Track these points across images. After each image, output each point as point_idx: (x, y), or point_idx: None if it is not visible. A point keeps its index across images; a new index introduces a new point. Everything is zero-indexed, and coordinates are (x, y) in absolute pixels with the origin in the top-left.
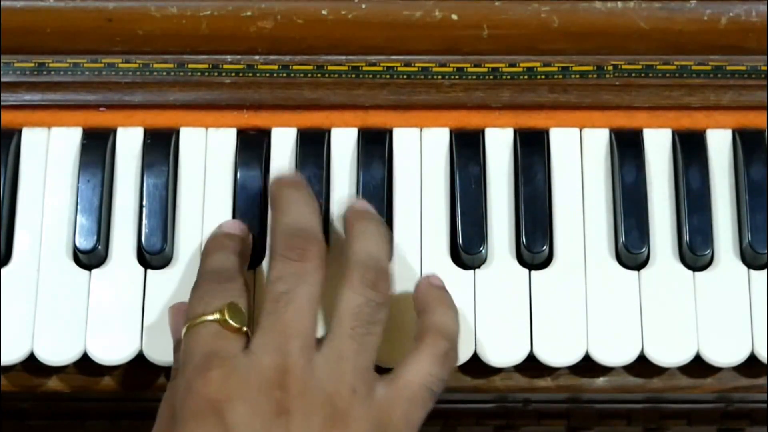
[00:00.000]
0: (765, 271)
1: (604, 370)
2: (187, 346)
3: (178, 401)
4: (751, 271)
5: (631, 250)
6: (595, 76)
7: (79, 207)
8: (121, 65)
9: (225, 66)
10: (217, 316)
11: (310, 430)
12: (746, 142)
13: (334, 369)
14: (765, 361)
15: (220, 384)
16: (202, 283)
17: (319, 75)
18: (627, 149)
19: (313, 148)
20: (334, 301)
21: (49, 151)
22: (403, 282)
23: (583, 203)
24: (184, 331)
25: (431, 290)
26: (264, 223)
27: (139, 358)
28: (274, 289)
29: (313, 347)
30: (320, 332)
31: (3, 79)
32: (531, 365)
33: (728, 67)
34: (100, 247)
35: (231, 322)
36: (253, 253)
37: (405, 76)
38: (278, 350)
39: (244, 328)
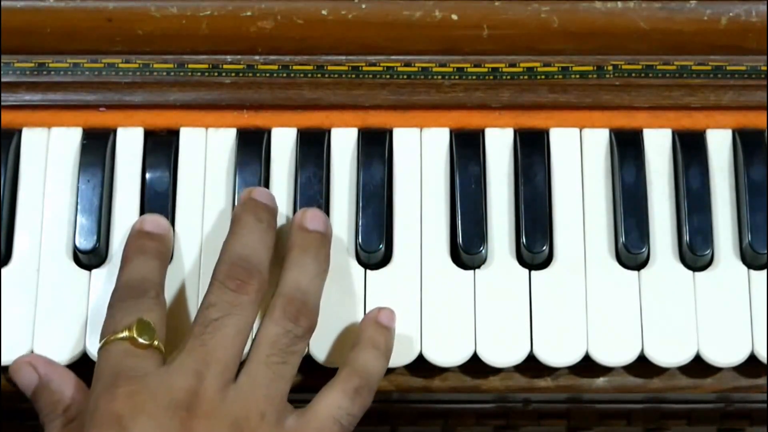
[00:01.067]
0: (765, 271)
1: (604, 370)
2: (98, 365)
3: (86, 420)
4: (751, 271)
5: (631, 250)
6: (595, 76)
7: (79, 207)
8: (121, 65)
9: (225, 66)
10: (125, 333)
11: None
12: (746, 142)
13: (246, 394)
14: (765, 361)
15: (125, 400)
16: (116, 299)
17: (319, 75)
18: (627, 149)
19: (313, 148)
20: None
21: (49, 151)
22: (404, 282)
23: (583, 203)
24: (97, 349)
25: (370, 327)
26: None
27: None
28: (205, 315)
29: (231, 377)
30: None
31: (3, 79)
32: (531, 365)
33: (728, 67)
34: (100, 247)
35: (139, 339)
36: None
37: (405, 76)
38: (194, 374)
39: (156, 343)
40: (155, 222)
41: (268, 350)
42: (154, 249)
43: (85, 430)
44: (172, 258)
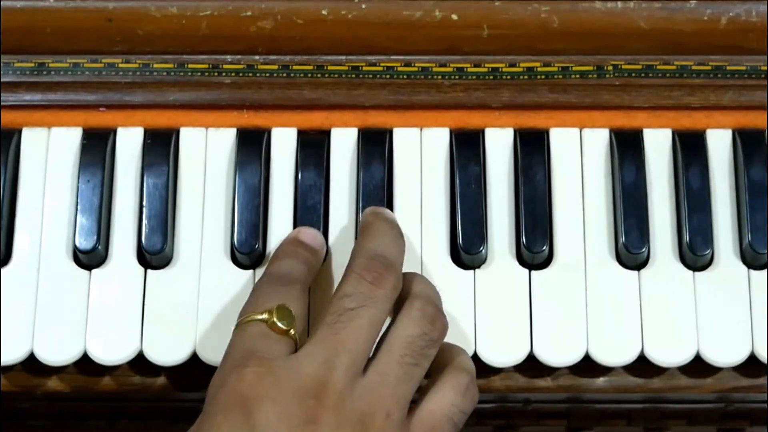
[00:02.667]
0: (765, 271)
1: (604, 370)
2: (232, 342)
3: (210, 393)
4: (751, 271)
5: (631, 250)
6: (595, 76)
7: (79, 207)
8: (121, 65)
9: (225, 66)
10: (265, 316)
11: None
12: (746, 142)
13: (374, 391)
14: (765, 361)
15: (253, 381)
16: (260, 285)
17: (319, 75)
18: (627, 149)
19: (313, 147)
20: (388, 328)
21: (49, 151)
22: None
23: (583, 203)
24: (233, 328)
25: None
26: (264, 223)
27: (139, 358)
28: (339, 304)
29: (360, 369)
30: None
31: (3, 79)
32: (531, 365)
33: (728, 67)
34: (100, 247)
35: (278, 323)
36: (254, 255)
37: (405, 76)
38: (324, 362)
39: (291, 332)
40: (312, 235)
41: (403, 350)
42: (304, 257)
43: (209, 403)
44: (171, 259)
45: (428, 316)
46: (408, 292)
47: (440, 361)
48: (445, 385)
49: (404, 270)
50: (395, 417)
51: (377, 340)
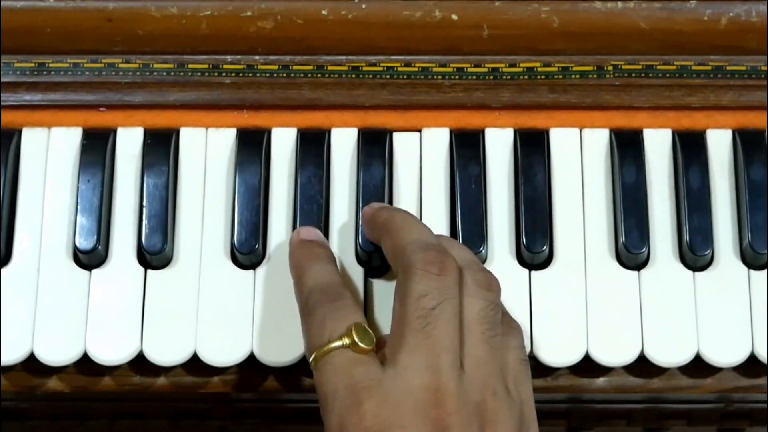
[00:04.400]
0: (765, 271)
1: (604, 370)
2: (325, 380)
3: None
4: (751, 271)
5: (631, 250)
6: (595, 76)
7: (79, 207)
8: (121, 65)
9: (225, 66)
10: (346, 341)
11: None
12: (746, 142)
13: (477, 377)
14: (765, 361)
15: (375, 415)
16: (315, 305)
17: (319, 75)
18: (627, 149)
19: (313, 148)
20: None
21: (49, 151)
22: None
23: (583, 203)
24: (312, 362)
25: None
26: (264, 223)
27: (139, 358)
28: (419, 305)
29: (459, 361)
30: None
31: (3, 79)
32: (531, 365)
33: (728, 67)
34: (100, 247)
35: (362, 345)
36: (254, 255)
37: (405, 76)
38: (429, 369)
39: (374, 346)
40: (313, 232)
41: (481, 326)
42: (324, 254)
43: None
44: (171, 259)
45: (482, 283)
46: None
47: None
48: (506, 335)
49: None
50: (500, 391)
51: None
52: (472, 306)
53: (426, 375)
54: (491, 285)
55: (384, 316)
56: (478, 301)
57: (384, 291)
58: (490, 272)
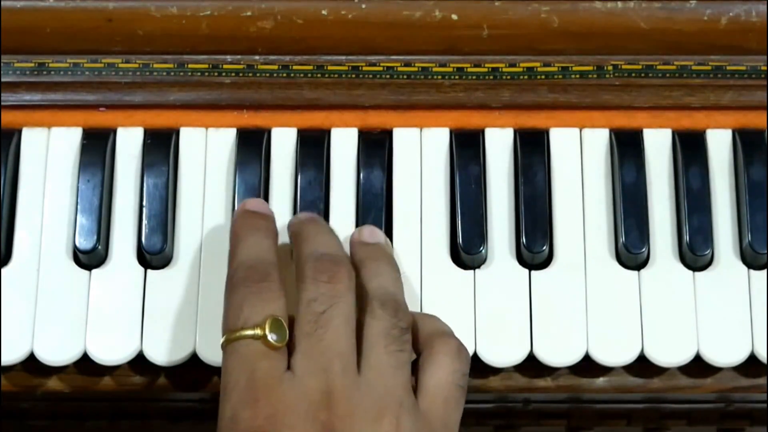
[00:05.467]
0: (765, 271)
1: (604, 370)
2: (229, 367)
3: (222, 428)
4: (751, 271)
5: (631, 250)
6: (595, 76)
7: (79, 207)
8: (121, 65)
9: (225, 66)
10: (258, 332)
11: None
12: (746, 142)
13: (378, 385)
14: (765, 361)
15: (268, 415)
16: (239, 283)
17: (319, 75)
18: (627, 149)
19: (313, 148)
20: (359, 331)
21: (49, 151)
22: (404, 282)
23: (583, 203)
24: (222, 342)
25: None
26: None
27: (139, 358)
28: (310, 310)
29: (355, 367)
30: None
31: (3, 79)
32: (531, 365)
33: (728, 67)
34: (100, 247)
35: (272, 340)
36: None
37: (405, 76)
38: (322, 372)
39: (285, 343)
40: (259, 203)
41: (384, 341)
42: (265, 227)
43: None
44: (171, 259)
45: (390, 309)
46: (365, 291)
47: (422, 334)
48: (439, 355)
49: (403, 271)
50: (407, 403)
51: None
52: (375, 326)
53: (319, 378)
54: (398, 312)
55: None
56: (381, 322)
57: None
58: (403, 302)
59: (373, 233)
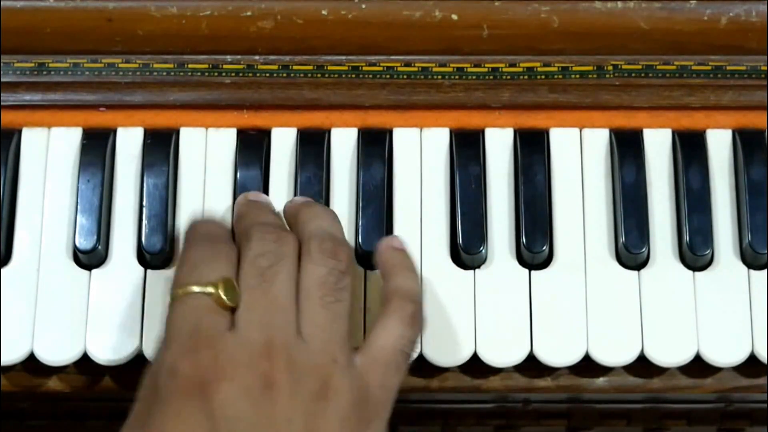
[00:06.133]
0: (765, 271)
1: (604, 370)
2: (174, 317)
3: (161, 379)
4: (751, 271)
5: (631, 250)
6: (595, 76)
7: (79, 207)
8: (121, 65)
9: (225, 66)
10: (210, 290)
11: (296, 404)
12: (746, 142)
13: (314, 342)
14: (765, 361)
15: (207, 366)
16: (193, 240)
17: (319, 75)
18: (627, 149)
19: (313, 148)
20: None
21: (49, 151)
22: None
23: (583, 203)
24: (170, 297)
25: (393, 254)
26: None
27: (139, 358)
28: (256, 264)
29: (295, 323)
30: None
31: (3, 79)
32: (531, 365)
33: (728, 67)
34: (100, 247)
35: (225, 299)
36: None
37: (405, 76)
38: (265, 325)
39: (236, 303)
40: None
41: (319, 292)
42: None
43: (161, 389)
44: (171, 259)
45: (327, 251)
46: (302, 235)
47: (386, 289)
48: (390, 318)
49: None
50: (341, 359)
51: None
52: (311, 272)
53: (261, 331)
54: (337, 254)
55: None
56: (318, 268)
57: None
58: (343, 243)
59: (304, 198)
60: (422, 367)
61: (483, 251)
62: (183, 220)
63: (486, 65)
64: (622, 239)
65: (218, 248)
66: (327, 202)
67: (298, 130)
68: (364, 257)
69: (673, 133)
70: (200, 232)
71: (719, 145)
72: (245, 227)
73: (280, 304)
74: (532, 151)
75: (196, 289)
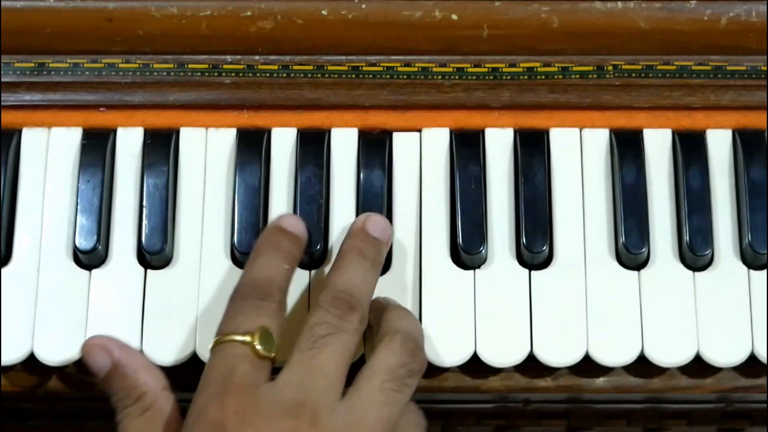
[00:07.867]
0: (765, 271)
1: (604, 370)
2: (211, 363)
3: (190, 421)
4: (751, 271)
5: (631, 250)
6: (595, 76)
7: (79, 207)
8: (121, 65)
9: (225, 66)
10: (247, 338)
11: None
12: (746, 142)
13: (357, 414)
14: (765, 361)
15: (234, 412)
16: (240, 295)
17: (319, 75)
18: (627, 149)
19: (313, 148)
20: (367, 360)
21: (49, 151)
22: (404, 282)
23: (583, 203)
24: (211, 344)
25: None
26: (264, 223)
27: None
28: (312, 332)
29: (339, 393)
30: None
31: (3, 79)
32: (531, 365)
33: (728, 67)
34: (100, 247)
35: (259, 348)
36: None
37: (405, 76)
38: (302, 386)
39: (272, 355)
40: (295, 222)
41: (385, 376)
42: (287, 249)
43: (188, 428)
44: (171, 259)
45: (408, 349)
46: (389, 328)
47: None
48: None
49: (402, 271)
50: None
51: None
52: (386, 358)
53: (297, 391)
54: (416, 356)
55: None
56: (394, 358)
57: (384, 286)
58: (423, 351)
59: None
60: None
61: (483, 251)
62: (183, 220)
63: (486, 65)
64: (622, 239)
65: (260, 303)
66: (327, 202)
67: (298, 130)
68: None
69: (673, 133)
70: (244, 289)
71: (719, 145)
72: (325, 286)
73: (324, 371)
74: (532, 152)
75: (232, 337)
